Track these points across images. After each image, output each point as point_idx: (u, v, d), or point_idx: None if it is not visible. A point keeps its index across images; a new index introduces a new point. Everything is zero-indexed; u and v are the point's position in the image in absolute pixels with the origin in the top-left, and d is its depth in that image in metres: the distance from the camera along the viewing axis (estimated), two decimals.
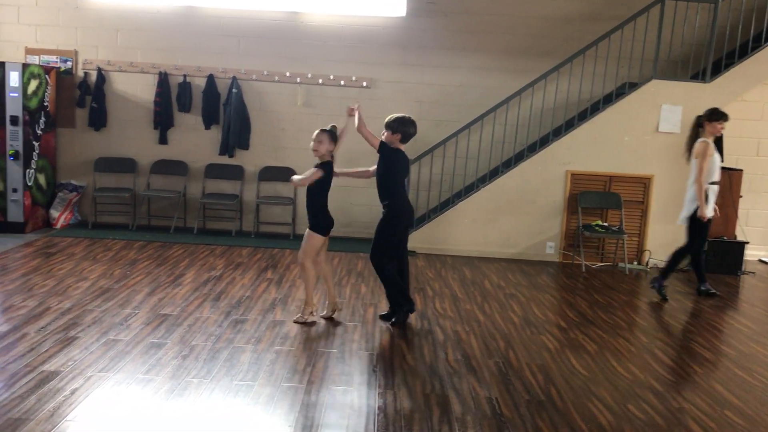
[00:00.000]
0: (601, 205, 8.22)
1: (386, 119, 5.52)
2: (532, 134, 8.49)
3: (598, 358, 4.98)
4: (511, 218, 8.26)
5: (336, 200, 8.80)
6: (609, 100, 8.23)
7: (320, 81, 8.64)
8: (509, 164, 8.35)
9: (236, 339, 4.88)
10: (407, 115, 5.52)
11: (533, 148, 8.28)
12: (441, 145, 8.35)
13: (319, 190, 5.37)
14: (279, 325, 5.24)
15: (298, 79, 8.63)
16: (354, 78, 8.64)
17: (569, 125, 8.24)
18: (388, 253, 5.47)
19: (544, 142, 8.29)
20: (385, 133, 5.53)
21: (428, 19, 8.56)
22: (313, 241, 5.37)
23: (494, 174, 8.35)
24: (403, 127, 5.47)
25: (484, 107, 8.42)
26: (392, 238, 5.48)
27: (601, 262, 8.28)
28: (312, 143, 5.36)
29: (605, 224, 8.09)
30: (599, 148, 8.14)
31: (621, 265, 8.17)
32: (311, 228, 5.39)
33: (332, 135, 5.41)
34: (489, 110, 8.27)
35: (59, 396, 3.78)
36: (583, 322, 5.83)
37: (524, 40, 8.59)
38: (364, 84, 8.64)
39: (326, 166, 5.34)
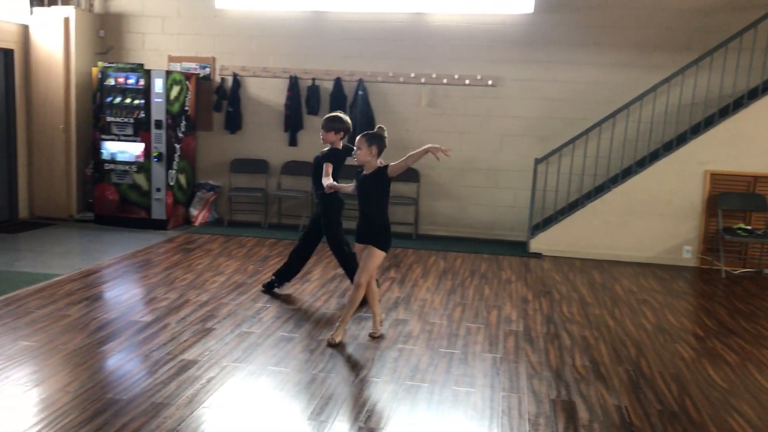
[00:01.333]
0: (743, 207, 7.68)
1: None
2: (668, 132, 8.07)
3: (740, 369, 4.65)
4: (644, 220, 7.88)
5: (458, 201, 8.81)
6: (754, 94, 7.67)
7: (445, 81, 8.64)
8: (643, 164, 7.98)
9: (360, 335, 4.97)
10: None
11: (669, 147, 7.87)
12: (570, 144, 8.11)
13: (386, 202, 4.86)
14: (402, 324, 5.28)
15: (423, 80, 8.67)
16: (479, 77, 8.56)
17: (708, 123, 7.75)
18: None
19: (681, 140, 7.86)
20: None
21: (557, 15, 8.34)
22: (379, 260, 4.81)
23: (627, 174, 8.01)
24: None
25: (616, 104, 8.10)
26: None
27: (744, 267, 7.73)
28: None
29: (748, 227, 7.55)
30: (742, 146, 7.61)
31: (766, 271, 7.59)
32: (378, 245, 4.76)
33: (373, 139, 4.79)
34: (622, 107, 7.94)
35: (197, 384, 4.00)
36: (722, 331, 5.47)
37: (659, 33, 8.18)
38: (490, 83, 8.55)
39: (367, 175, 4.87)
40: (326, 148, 5.65)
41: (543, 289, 6.55)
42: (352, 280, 5.38)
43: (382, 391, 4.01)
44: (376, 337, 4.92)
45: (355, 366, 4.38)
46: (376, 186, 4.77)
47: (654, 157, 7.95)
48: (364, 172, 4.84)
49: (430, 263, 7.41)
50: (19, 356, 4.30)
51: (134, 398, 3.77)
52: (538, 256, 8.00)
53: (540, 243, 8.10)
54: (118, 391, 3.85)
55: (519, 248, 8.29)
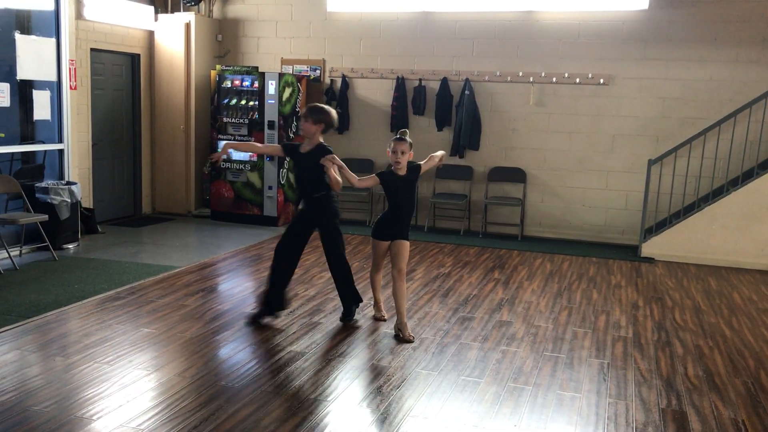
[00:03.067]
0: None
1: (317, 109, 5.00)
2: None
3: None
4: (766, 225, 7.43)
5: (567, 202, 8.61)
6: None
7: (554, 79, 8.47)
8: (766, 166, 7.52)
9: (463, 335, 4.97)
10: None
11: None
12: (686, 145, 7.76)
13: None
14: (506, 326, 5.24)
15: (531, 79, 8.54)
16: (590, 75, 8.35)
17: None
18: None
19: None
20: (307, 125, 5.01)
21: (674, 10, 8.00)
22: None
23: (748, 176, 7.57)
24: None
25: (738, 103, 7.68)
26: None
27: None
28: (393, 155, 4.83)
29: None
30: None
31: None
32: (408, 237, 5.00)
33: (410, 144, 4.88)
34: (744, 106, 7.52)
35: (304, 375, 4.14)
36: None
37: None
38: (601, 81, 8.31)
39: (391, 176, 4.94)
40: (309, 144, 5.04)
41: (654, 295, 6.31)
42: (347, 299, 5.16)
43: (484, 392, 4.00)
44: (384, 319, 5.20)
45: (457, 366, 4.39)
46: (412, 185, 4.97)
47: None
48: (400, 173, 4.87)
49: (536, 265, 7.29)
50: (141, 342, 4.60)
51: (245, 386, 3.94)
52: (650, 260, 7.71)
53: (653, 247, 7.80)
54: (230, 379, 4.04)
55: (630, 252, 8.02)
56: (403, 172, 4.85)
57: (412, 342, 4.76)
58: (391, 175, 4.88)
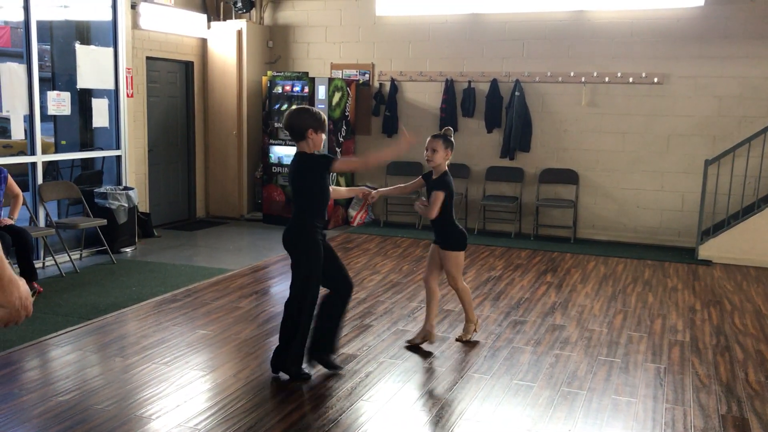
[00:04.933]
0: None
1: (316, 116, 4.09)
2: None
3: None
4: None
5: (620, 204, 8.46)
6: None
7: (606, 79, 8.34)
8: None
9: (516, 339, 4.93)
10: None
11: None
12: (745, 144, 7.54)
13: (443, 206, 4.61)
14: (559, 329, 5.18)
15: (583, 79, 8.42)
16: (644, 75, 8.18)
17: None
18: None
19: None
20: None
21: (731, 6, 7.79)
22: (457, 260, 4.71)
23: None
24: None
25: None
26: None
27: None
28: (426, 152, 4.66)
29: None
30: None
31: None
32: (447, 248, 4.68)
33: (447, 141, 4.65)
34: None
35: (356, 377, 4.16)
36: None
37: None
38: (655, 80, 8.14)
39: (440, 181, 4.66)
40: (318, 152, 4.22)
41: (713, 299, 6.15)
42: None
43: (537, 396, 3.96)
44: (418, 345, 4.74)
45: (510, 369, 4.36)
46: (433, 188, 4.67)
47: None
48: (434, 177, 4.69)
49: (590, 268, 7.18)
50: (197, 343, 4.69)
51: (298, 388, 3.99)
52: (707, 263, 7.51)
53: (710, 249, 7.60)
54: (283, 381, 4.09)
55: (687, 255, 7.82)
56: (438, 173, 4.67)
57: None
58: (427, 177, 4.76)
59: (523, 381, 4.18)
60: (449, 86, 8.97)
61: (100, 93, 7.61)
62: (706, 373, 4.38)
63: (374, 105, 9.44)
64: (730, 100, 7.92)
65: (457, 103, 9.01)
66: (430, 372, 4.30)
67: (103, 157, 7.89)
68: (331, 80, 8.76)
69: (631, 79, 8.24)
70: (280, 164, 8.99)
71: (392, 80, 9.29)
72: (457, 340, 4.86)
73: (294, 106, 4.21)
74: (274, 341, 4.76)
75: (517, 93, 8.57)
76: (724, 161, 7.68)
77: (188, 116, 9.30)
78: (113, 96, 7.70)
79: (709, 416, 3.76)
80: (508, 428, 3.58)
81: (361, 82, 9.46)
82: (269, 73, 9.16)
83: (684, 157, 8.17)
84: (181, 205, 9.37)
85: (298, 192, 4.13)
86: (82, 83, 7.32)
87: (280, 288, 6.32)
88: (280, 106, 8.97)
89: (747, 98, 7.85)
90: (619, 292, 6.26)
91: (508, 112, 8.72)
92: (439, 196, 4.53)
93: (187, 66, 9.18)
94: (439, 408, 3.81)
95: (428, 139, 4.64)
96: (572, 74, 8.47)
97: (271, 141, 9.05)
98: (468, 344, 4.80)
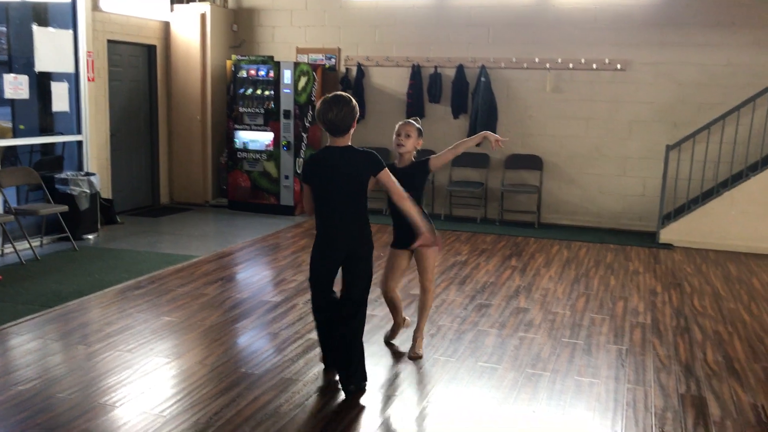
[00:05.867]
0: None
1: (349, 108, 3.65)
2: None
3: None
4: None
5: (584, 189, 8.57)
6: None
7: (570, 65, 8.41)
8: None
9: (481, 322, 4.98)
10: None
11: None
12: (704, 130, 7.69)
13: (417, 201, 4.08)
14: (523, 312, 5.24)
15: (548, 65, 8.49)
16: (607, 61, 8.28)
17: None
18: (312, 283, 3.90)
19: None
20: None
21: None
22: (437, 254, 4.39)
23: (767, 161, 7.50)
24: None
25: (757, 87, 7.58)
26: (313, 264, 3.86)
27: None
28: (397, 137, 4.24)
29: None
30: None
31: None
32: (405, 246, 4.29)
33: (419, 129, 4.30)
34: (762, 90, 7.43)
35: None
36: None
37: None
38: (618, 67, 8.24)
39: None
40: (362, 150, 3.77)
41: (673, 281, 6.28)
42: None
43: (502, 378, 4.01)
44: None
45: (475, 352, 4.40)
46: (411, 180, 4.11)
47: None
48: (400, 165, 4.23)
49: (553, 252, 7.28)
50: (161, 330, 4.65)
51: (265, 373, 3.98)
52: (668, 246, 7.66)
53: (671, 233, 7.75)
54: (250, 366, 4.08)
55: (648, 239, 7.97)
56: (404, 162, 4.24)
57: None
58: (392, 167, 4.10)
59: (488, 363, 4.23)
60: (416, 72, 8.96)
61: (59, 76, 7.43)
62: (666, 354, 4.49)
63: (341, 90, 9.38)
64: (690, 87, 8.06)
65: (423, 88, 9.01)
66: (396, 356, 4.32)
67: (64, 143, 7.72)
68: (296, 65, 8.69)
69: (594, 66, 8.33)
70: (245, 149, 8.91)
71: (359, 65, 9.24)
72: (410, 357, 4.30)
73: (328, 97, 3.59)
74: (241, 327, 4.75)
75: (482, 79, 8.60)
76: (685, 147, 7.83)
77: (151, 101, 9.14)
78: (74, 80, 7.53)
79: (669, 396, 3.85)
80: (474, 410, 3.63)
81: (327, 66, 9.40)
82: (234, 57, 9.05)
83: (646, 142, 8.30)
84: (145, 192, 9.23)
85: (359, 190, 3.71)
86: (40, 66, 7.14)
87: (246, 274, 6.29)
88: (245, 91, 8.87)
89: (707, 85, 7.99)
90: (582, 276, 6.36)
91: (474, 98, 8.75)
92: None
93: (150, 50, 9.02)
94: (405, 390, 3.84)
95: (399, 124, 4.29)
96: (537, 60, 8.53)
97: (236, 126, 8.96)
98: (434, 327, 4.83)
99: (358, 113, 3.68)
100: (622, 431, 3.44)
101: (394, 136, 4.26)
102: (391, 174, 3.70)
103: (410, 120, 4.32)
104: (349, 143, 3.70)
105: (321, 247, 3.76)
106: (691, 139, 7.73)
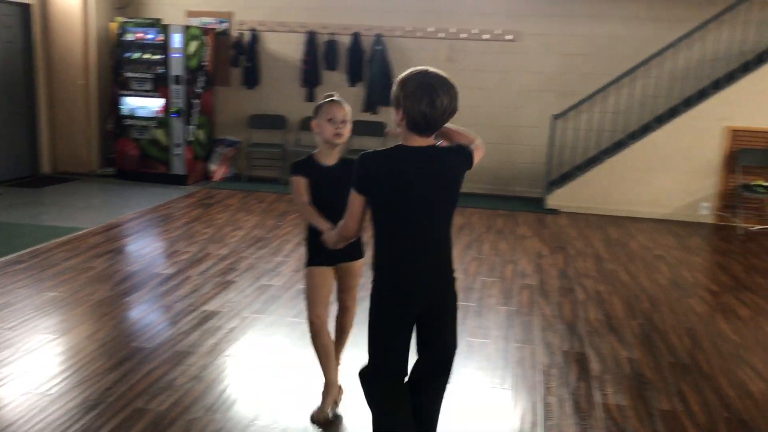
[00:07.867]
0: (764, 164, 7.62)
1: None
2: (689, 88, 7.98)
3: (752, 324, 4.70)
4: (662, 177, 7.86)
5: (499, 157, 8.78)
6: None
7: (464, 35, 8.56)
8: (662, 120, 7.92)
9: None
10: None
11: (689, 103, 7.79)
12: (588, 100, 8.05)
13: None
14: None
15: (442, 35, 8.59)
16: (499, 31, 8.47)
17: (730, 78, 7.65)
18: (378, 354, 2.63)
19: (701, 96, 7.77)
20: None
21: None
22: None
23: (646, 130, 7.96)
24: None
25: (637, 59, 8.00)
26: (380, 323, 2.60)
27: (761, 224, 7.71)
28: (329, 124, 3.03)
29: (767, 184, 7.50)
30: (764, 102, 7.52)
31: None
32: (359, 256, 3.29)
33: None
34: (641, 62, 7.85)
35: (218, 333, 4.12)
36: (737, 287, 5.50)
37: None
38: (509, 37, 8.46)
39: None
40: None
41: (558, 245, 6.60)
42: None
43: None
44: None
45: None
46: (341, 181, 2.75)
47: (674, 113, 7.88)
48: (327, 163, 3.10)
49: None
50: (46, 306, 4.45)
51: (158, 347, 3.90)
52: (554, 212, 8.03)
53: (557, 199, 8.12)
54: (142, 340, 3.98)
55: (536, 204, 8.31)
56: (332, 158, 3.10)
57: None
58: (310, 166, 3.10)
59: None
60: (311, 38, 8.85)
61: None
62: (551, 314, 4.73)
63: (234, 55, 9.15)
64: (576, 58, 8.39)
65: (319, 55, 8.92)
66: (293, 325, 4.33)
67: None
68: (187, 28, 8.38)
69: (486, 36, 8.51)
70: (133, 116, 8.55)
71: (252, 30, 9.03)
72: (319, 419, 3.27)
73: (418, 76, 2.50)
74: (132, 300, 4.61)
75: (378, 47, 8.61)
76: (570, 116, 8.18)
77: (27, 64, 8.58)
78: None
79: (554, 353, 4.07)
80: None
81: (219, 31, 9.11)
82: (119, 19, 8.61)
83: (535, 112, 8.59)
84: (24, 161, 8.70)
85: (448, 207, 2.60)
86: None
87: (136, 246, 6.08)
88: (132, 55, 8.47)
89: (591, 56, 8.35)
90: (474, 241, 6.57)
91: (370, 66, 8.75)
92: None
93: (24, 9, 8.43)
94: (303, 362, 3.86)
95: (327, 104, 3.04)
96: (431, 29, 8.62)
97: (123, 92, 8.56)
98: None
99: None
100: (511, 389, 3.61)
101: (324, 123, 3.02)
102: (479, 149, 2.71)
103: (336, 98, 3.07)
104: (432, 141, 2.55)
105: (394, 294, 2.52)
106: (576, 109, 8.09)
